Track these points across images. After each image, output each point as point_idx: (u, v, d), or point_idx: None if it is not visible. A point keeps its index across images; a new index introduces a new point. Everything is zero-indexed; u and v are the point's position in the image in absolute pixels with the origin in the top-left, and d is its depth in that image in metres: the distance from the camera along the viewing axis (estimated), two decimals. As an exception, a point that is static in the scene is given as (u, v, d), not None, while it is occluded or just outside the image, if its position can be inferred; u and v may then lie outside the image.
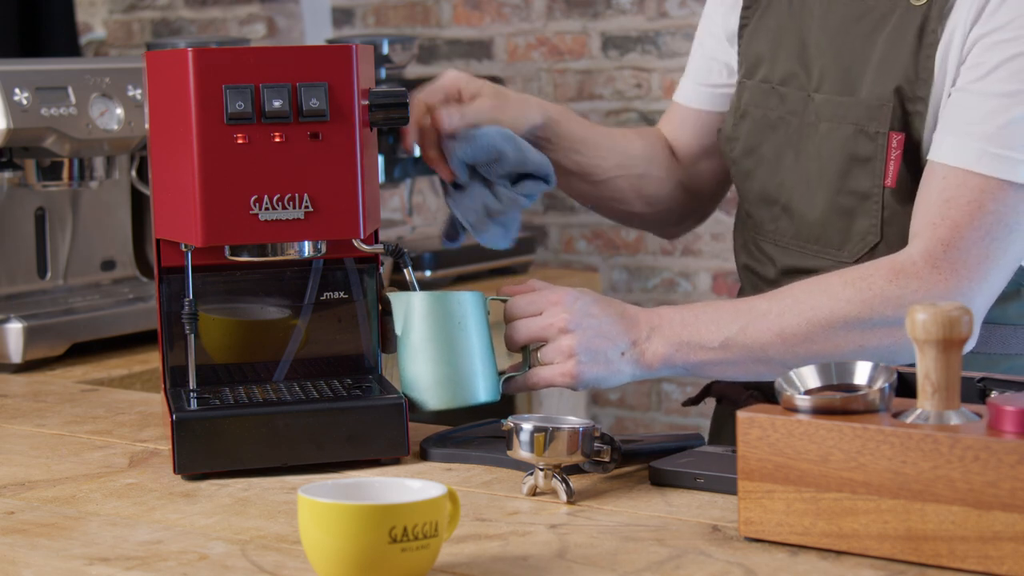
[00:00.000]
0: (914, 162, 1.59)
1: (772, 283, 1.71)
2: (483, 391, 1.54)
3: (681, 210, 1.92)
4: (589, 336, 1.52)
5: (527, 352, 1.55)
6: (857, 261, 1.62)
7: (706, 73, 1.86)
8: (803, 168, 1.68)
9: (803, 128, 1.68)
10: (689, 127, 1.89)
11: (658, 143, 1.90)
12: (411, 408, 1.53)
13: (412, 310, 1.53)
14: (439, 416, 1.62)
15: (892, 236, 1.61)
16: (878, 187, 1.60)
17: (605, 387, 1.54)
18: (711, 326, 1.53)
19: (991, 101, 1.52)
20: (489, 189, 1.66)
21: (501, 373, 1.56)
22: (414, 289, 1.56)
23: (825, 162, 1.65)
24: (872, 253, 1.62)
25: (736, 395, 1.79)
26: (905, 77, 1.58)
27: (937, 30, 1.56)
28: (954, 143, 1.53)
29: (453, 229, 1.68)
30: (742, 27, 1.79)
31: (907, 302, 1.49)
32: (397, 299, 1.55)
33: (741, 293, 1.81)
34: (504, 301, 1.57)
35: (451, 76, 1.72)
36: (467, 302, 1.54)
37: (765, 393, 1.73)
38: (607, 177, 1.83)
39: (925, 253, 1.52)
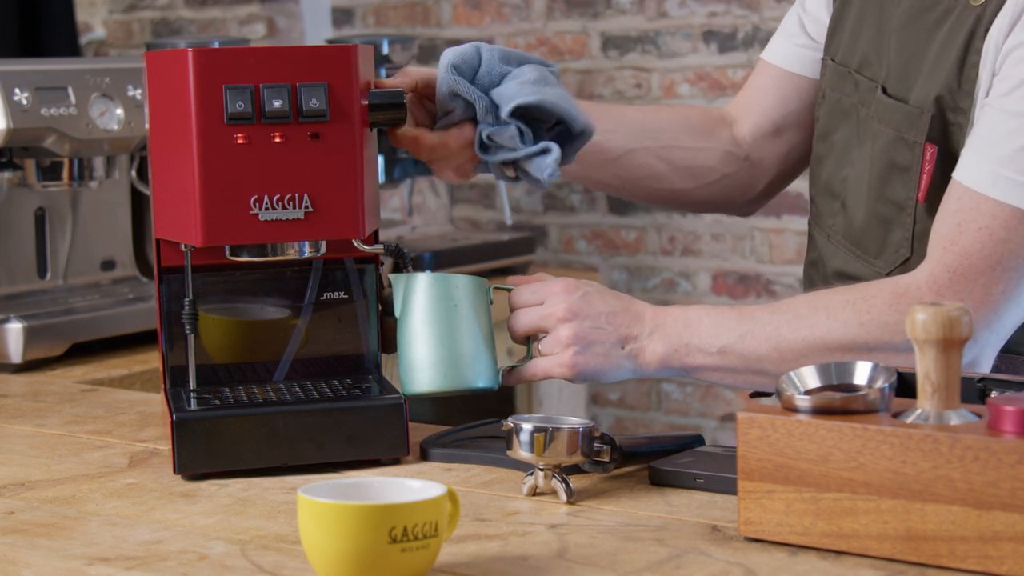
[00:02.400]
0: (948, 178, 1.50)
1: (827, 286, 1.65)
2: (480, 376, 1.53)
3: (744, 184, 1.82)
4: (587, 327, 1.50)
5: (530, 344, 1.55)
6: (890, 274, 1.56)
7: (799, 32, 1.76)
8: (861, 166, 1.61)
9: (868, 122, 1.61)
10: (772, 90, 1.79)
11: (692, 113, 1.81)
12: (409, 391, 1.52)
13: (410, 290, 1.53)
14: (439, 416, 1.62)
15: (923, 253, 1.52)
16: (911, 200, 1.54)
17: (605, 382, 1.52)
18: (712, 330, 1.51)
19: (1012, 120, 1.44)
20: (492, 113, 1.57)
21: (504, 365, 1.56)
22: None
23: (872, 164, 1.59)
24: (904, 267, 1.56)
25: None
26: (947, 86, 1.50)
27: (985, 36, 1.48)
28: (972, 161, 1.46)
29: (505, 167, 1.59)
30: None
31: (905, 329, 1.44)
32: (397, 279, 1.55)
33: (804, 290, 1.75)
34: (508, 290, 1.56)
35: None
36: (464, 284, 1.53)
37: None
38: (623, 151, 1.74)
39: (931, 279, 1.46)
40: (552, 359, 1.52)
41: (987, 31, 1.48)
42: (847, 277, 1.62)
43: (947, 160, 1.51)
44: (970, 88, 1.49)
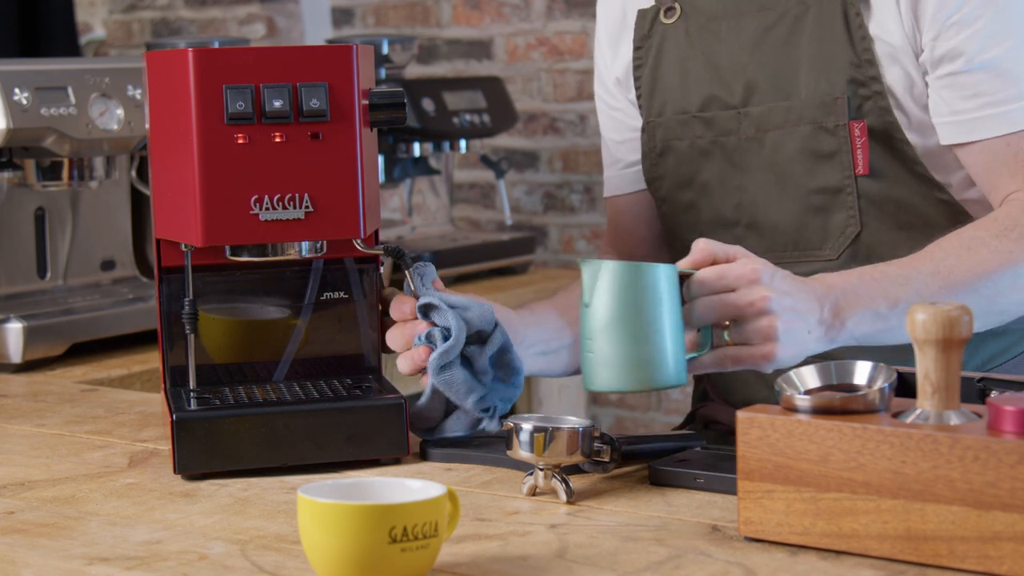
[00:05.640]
0: (885, 143, 1.60)
1: None
2: (674, 374, 1.39)
3: None
4: (789, 317, 1.41)
5: (708, 330, 1.43)
6: (840, 256, 1.63)
7: (628, 151, 1.83)
8: (759, 181, 1.68)
9: (742, 144, 1.68)
10: (634, 215, 1.84)
11: None
12: (594, 387, 1.41)
13: (607, 280, 1.39)
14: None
15: (872, 223, 1.62)
16: (849, 178, 1.62)
17: (789, 367, 1.42)
18: (886, 293, 1.46)
19: (1002, 63, 1.56)
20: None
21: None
22: (414, 291, 1.55)
23: (785, 168, 1.66)
24: (855, 244, 1.62)
25: (727, 418, 1.77)
26: (851, 65, 1.60)
27: (861, 12, 1.60)
28: (993, 115, 1.57)
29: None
30: (637, 67, 1.78)
31: None
32: (588, 265, 1.39)
33: None
34: (688, 275, 1.42)
35: None
36: (666, 276, 1.39)
37: None
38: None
39: None
40: (753, 350, 1.41)
41: (861, 5, 1.59)
42: None
43: (874, 130, 1.60)
44: (870, 57, 1.59)
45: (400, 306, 1.56)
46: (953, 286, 1.49)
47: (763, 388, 1.72)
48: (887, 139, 1.60)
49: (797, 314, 1.41)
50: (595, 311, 1.39)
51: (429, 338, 1.52)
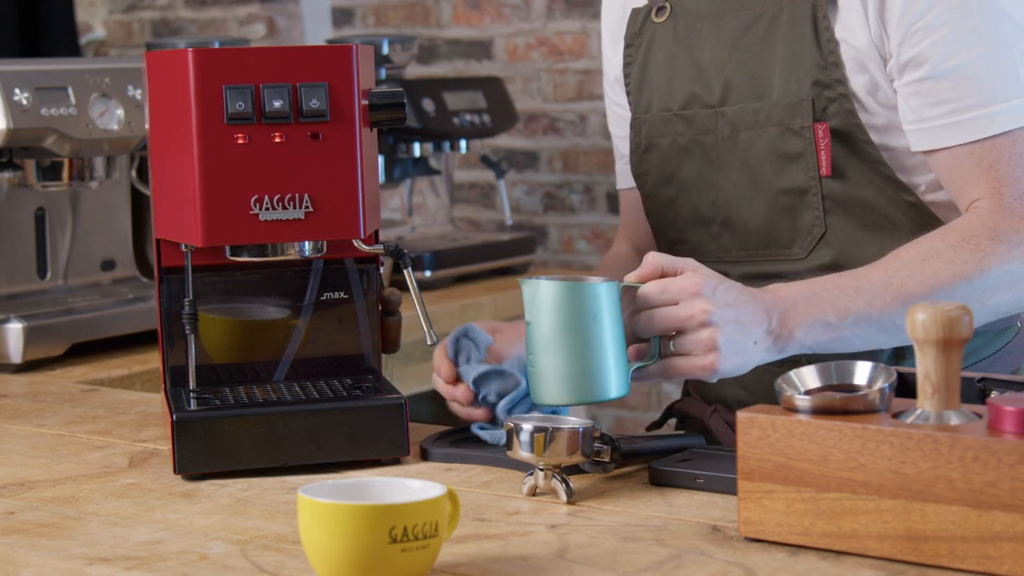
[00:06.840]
0: (849, 145, 1.61)
1: None
2: (615, 387, 1.44)
3: None
4: (731, 329, 1.44)
5: (656, 341, 1.47)
6: (808, 256, 1.64)
7: (624, 152, 1.85)
8: (733, 180, 1.69)
9: (719, 143, 1.70)
10: (640, 209, 1.86)
11: (618, 263, 1.84)
12: (540, 401, 1.46)
13: (544, 299, 1.43)
14: (439, 416, 1.62)
15: (837, 224, 1.63)
16: (815, 179, 1.63)
17: (734, 376, 1.48)
18: (836, 304, 1.49)
19: (966, 70, 1.55)
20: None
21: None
22: (414, 290, 1.55)
23: (755, 168, 1.67)
24: (821, 244, 1.63)
25: (700, 413, 1.78)
26: (817, 67, 1.61)
27: (829, 15, 1.60)
28: (959, 121, 1.56)
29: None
30: (627, 64, 1.79)
31: (1016, 253, 1.52)
32: (527, 285, 1.45)
33: None
34: (635, 288, 1.46)
35: None
36: (603, 293, 1.43)
37: (729, 406, 1.72)
38: None
39: (1006, 210, 1.54)
40: (692, 360, 1.45)
41: (828, 8, 1.60)
42: (757, 279, 1.64)
43: (838, 132, 1.61)
44: (836, 60, 1.60)
45: (452, 395, 1.59)
46: (906, 297, 1.50)
47: (733, 385, 1.72)
48: (851, 141, 1.61)
49: (740, 326, 1.45)
50: (535, 329, 1.45)
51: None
